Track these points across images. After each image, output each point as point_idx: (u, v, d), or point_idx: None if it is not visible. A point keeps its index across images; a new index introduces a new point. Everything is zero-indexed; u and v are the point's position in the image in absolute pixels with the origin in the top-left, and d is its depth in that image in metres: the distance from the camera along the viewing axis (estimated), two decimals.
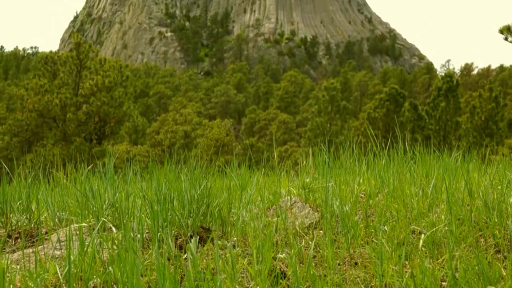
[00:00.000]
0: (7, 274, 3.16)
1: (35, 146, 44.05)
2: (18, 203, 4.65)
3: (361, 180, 5.37)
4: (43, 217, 4.65)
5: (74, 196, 4.84)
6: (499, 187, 4.61)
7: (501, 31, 20.28)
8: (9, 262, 3.43)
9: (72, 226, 4.13)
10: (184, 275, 3.25)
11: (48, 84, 38.49)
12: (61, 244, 3.89)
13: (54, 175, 5.78)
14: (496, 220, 3.95)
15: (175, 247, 3.76)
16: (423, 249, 3.64)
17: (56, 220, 4.54)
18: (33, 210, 4.63)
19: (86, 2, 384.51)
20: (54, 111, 37.92)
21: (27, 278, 3.03)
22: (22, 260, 3.52)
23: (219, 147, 66.82)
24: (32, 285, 3.02)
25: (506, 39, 20.86)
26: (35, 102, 37.78)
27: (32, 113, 38.31)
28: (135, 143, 77.30)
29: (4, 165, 5.22)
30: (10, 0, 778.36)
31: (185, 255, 3.56)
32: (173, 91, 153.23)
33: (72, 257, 3.19)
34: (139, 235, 3.79)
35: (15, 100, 60.90)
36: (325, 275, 3.30)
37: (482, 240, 3.88)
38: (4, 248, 4.07)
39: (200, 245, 3.87)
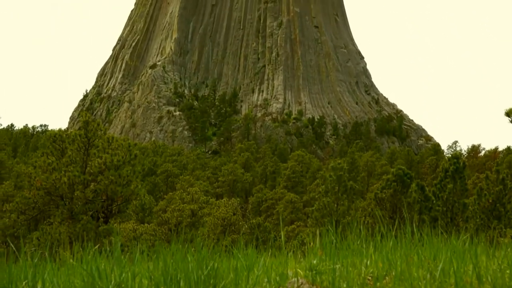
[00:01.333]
0: None
1: (42, 224, 43.98)
2: (24, 282, 4.62)
3: (368, 262, 5.34)
4: None
5: (80, 276, 4.82)
6: (508, 271, 4.57)
7: (507, 114, 20.37)
8: None
9: None
10: None
11: (56, 162, 38.65)
12: None
13: (60, 254, 5.77)
14: None
15: None
16: None
17: None
18: None
19: (96, 81, 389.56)
20: (62, 189, 37.97)
21: None
22: None
23: (226, 226, 66.57)
24: None
25: None
26: (43, 180, 37.87)
27: (39, 191, 38.35)
28: (142, 221, 77.11)
29: (11, 243, 5.22)
30: (21, 78, 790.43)
31: None
32: (180, 169, 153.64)
33: None
34: None
35: (23, 178, 61.14)
36: None
37: None
38: None
39: None
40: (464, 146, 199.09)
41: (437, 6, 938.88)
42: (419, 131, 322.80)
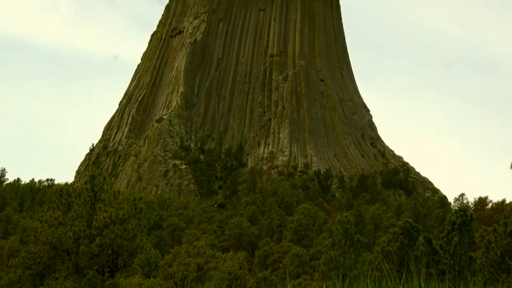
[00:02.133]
0: None
1: (47, 279, 43.78)
2: None
3: None
4: None
5: None
6: None
7: None
8: None
9: None
10: None
11: (62, 217, 38.72)
12: None
13: None
14: None
15: None
16: None
17: None
18: None
19: (103, 135, 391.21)
20: (68, 244, 37.94)
21: None
22: None
23: (232, 281, 66.13)
24: None
25: None
26: (49, 235, 37.88)
27: (45, 245, 38.33)
28: (148, 275, 76.68)
29: None
30: (27, 132, 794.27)
31: None
32: (186, 223, 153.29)
33: None
34: None
35: (29, 233, 61.17)
36: None
37: None
38: None
39: None
40: (470, 199, 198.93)
41: (442, 59, 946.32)
42: (426, 184, 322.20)
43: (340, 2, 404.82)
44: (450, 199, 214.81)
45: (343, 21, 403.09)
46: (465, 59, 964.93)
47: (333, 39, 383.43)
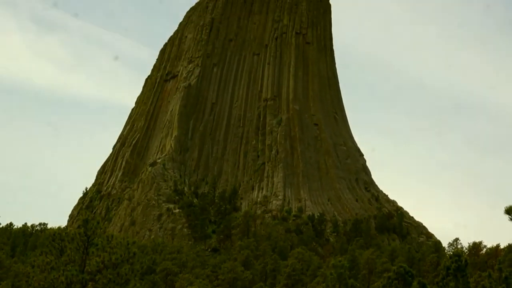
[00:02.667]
0: None
1: None
2: None
3: None
4: None
5: None
6: None
7: (508, 211, 20.44)
8: None
9: None
10: None
11: (54, 261, 38.45)
12: None
13: None
14: None
15: None
16: None
17: None
18: None
19: (96, 179, 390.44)
20: None
21: None
22: None
23: None
24: None
25: None
26: (41, 280, 37.57)
27: None
28: None
29: None
30: (19, 176, 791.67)
31: None
32: (180, 267, 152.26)
33: None
34: None
35: (21, 278, 60.61)
36: None
37: None
38: None
39: None
40: (465, 243, 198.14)
41: (436, 102, 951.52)
42: (420, 228, 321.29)
43: (334, 47, 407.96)
44: (444, 244, 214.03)
45: (336, 65, 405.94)
46: (459, 102, 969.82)
47: (327, 84, 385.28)
